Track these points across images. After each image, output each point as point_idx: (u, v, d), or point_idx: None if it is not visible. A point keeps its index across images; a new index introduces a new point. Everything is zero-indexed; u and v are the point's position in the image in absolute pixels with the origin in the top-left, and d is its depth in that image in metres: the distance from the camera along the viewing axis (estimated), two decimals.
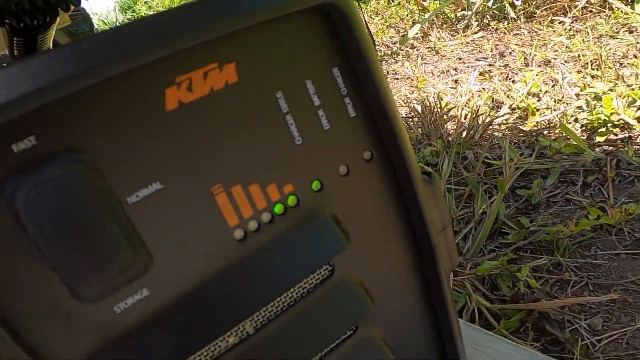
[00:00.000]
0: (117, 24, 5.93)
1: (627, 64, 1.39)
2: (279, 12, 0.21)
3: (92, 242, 0.17)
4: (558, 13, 2.06)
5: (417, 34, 2.36)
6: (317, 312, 0.25)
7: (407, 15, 2.85)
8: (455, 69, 1.85)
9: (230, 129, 0.20)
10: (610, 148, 1.00)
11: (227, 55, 0.20)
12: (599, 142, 1.04)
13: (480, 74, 1.67)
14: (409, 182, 0.25)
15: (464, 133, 1.16)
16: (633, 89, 1.19)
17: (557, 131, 1.10)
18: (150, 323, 0.20)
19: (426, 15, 2.49)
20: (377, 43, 2.45)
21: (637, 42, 1.53)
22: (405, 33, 2.46)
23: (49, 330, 0.18)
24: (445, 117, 1.29)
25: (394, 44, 2.48)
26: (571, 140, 1.02)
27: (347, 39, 0.23)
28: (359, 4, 2.70)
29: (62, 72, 0.16)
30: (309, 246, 0.23)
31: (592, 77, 1.34)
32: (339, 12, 0.22)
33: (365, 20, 1.47)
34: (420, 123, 1.27)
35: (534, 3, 2.21)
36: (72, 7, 0.33)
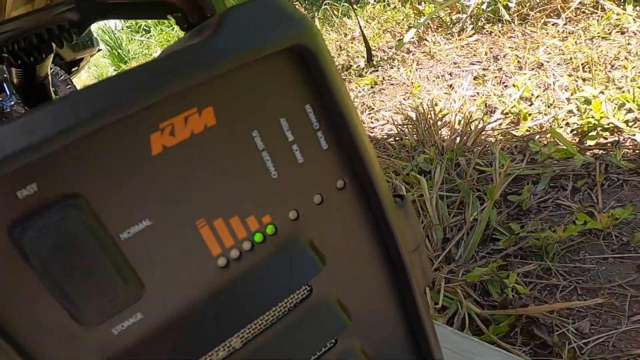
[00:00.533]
0: (116, 31, 5.97)
1: (618, 65, 1.41)
2: (253, 56, 0.23)
3: (90, 275, 0.19)
4: (551, 15, 2.08)
5: (412, 38, 2.38)
6: (298, 328, 0.27)
7: (402, 20, 2.87)
8: (450, 74, 1.87)
9: (211, 167, 0.23)
10: (601, 152, 1.02)
11: (205, 100, 0.23)
12: (589, 145, 1.06)
13: (475, 78, 1.69)
14: (380, 207, 0.27)
15: (458, 139, 1.18)
16: (623, 92, 1.21)
17: (548, 136, 1.12)
18: (145, 342, 0.22)
19: (421, 20, 2.51)
20: (373, 48, 2.48)
21: (628, 44, 1.54)
22: (401, 37, 2.48)
23: (55, 352, 0.20)
24: (439, 123, 1.31)
25: (390, 48, 2.50)
26: (561, 144, 1.04)
27: (318, 76, 0.25)
28: (354, 10, 2.72)
29: (55, 127, 0.19)
30: (287, 270, 0.25)
31: (584, 80, 1.36)
32: (309, 52, 0.25)
33: (363, 30, 1.49)
34: (414, 130, 1.29)
35: (527, 4, 2.23)
36: (66, 43, 0.35)
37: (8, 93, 3.04)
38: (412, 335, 0.32)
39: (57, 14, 0.30)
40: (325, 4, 3.54)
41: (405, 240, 0.29)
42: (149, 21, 5.74)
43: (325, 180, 0.26)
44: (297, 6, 3.48)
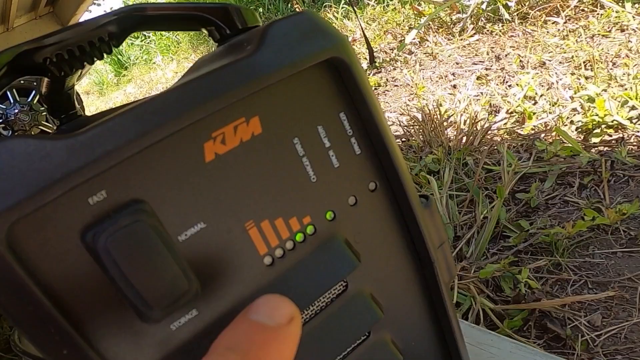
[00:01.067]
0: None
1: (620, 63, 1.43)
2: (295, 69, 0.25)
3: (158, 275, 0.21)
4: (551, 13, 2.10)
5: (414, 39, 2.40)
6: (335, 321, 0.29)
7: (403, 21, 2.89)
8: (453, 74, 1.89)
9: (258, 172, 0.24)
10: (606, 149, 1.04)
11: (252, 110, 0.24)
12: (594, 143, 1.07)
13: (478, 78, 1.71)
14: (409, 207, 0.29)
15: (464, 139, 1.20)
16: (626, 89, 1.22)
17: (553, 134, 1.14)
18: (198, 337, 0.24)
19: (422, 20, 2.53)
20: (375, 49, 2.50)
21: (629, 41, 1.56)
22: (403, 38, 2.50)
23: (121, 346, 0.22)
24: (445, 123, 1.33)
25: (392, 50, 2.52)
26: (567, 142, 1.05)
27: (351, 86, 0.27)
28: (355, 11, 2.74)
29: (125, 137, 0.21)
30: (326, 267, 0.27)
31: (586, 78, 1.38)
32: (343, 64, 0.26)
33: (364, 32, 1.51)
34: (421, 131, 1.31)
35: (527, 3, 2.25)
36: (105, 55, 0.37)
37: (12, 101, 3.06)
38: (438, 327, 0.34)
39: (99, 26, 0.32)
40: (324, 6, 3.56)
41: (432, 238, 0.31)
42: None
43: (359, 182, 0.28)
44: (296, 8, 3.51)
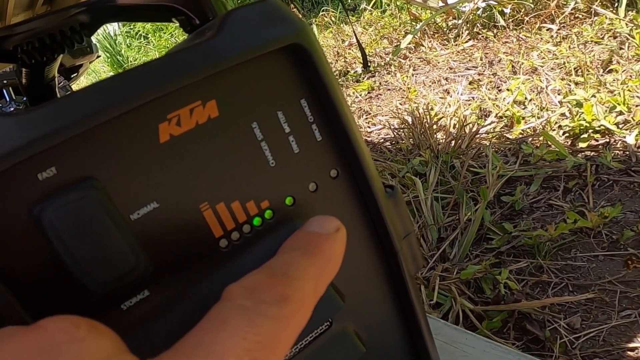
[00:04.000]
0: (114, 37, 5.99)
1: (610, 69, 1.44)
2: (252, 54, 0.25)
3: (104, 252, 0.21)
4: (546, 20, 2.11)
5: (409, 44, 2.41)
6: None
7: (399, 26, 2.90)
8: (446, 79, 1.90)
9: (214, 155, 0.24)
10: (592, 153, 1.05)
11: (208, 94, 0.24)
12: (581, 147, 1.08)
13: (470, 82, 1.72)
14: (372, 196, 0.29)
15: (453, 142, 1.20)
16: (614, 95, 1.23)
17: (541, 138, 1.15)
18: (150, 318, 0.24)
19: (418, 26, 2.54)
20: (370, 54, 2.51)
21: (620, 48, 1.57)
22: (398, 43, 2.51)
23: None
24: (434, 126, 1.34)
25: (387, 54, 2.53)
26: (553, 147, 1.06)
27: (312, 73, 0.27)
28: (348, 17, 2.75)
29: (76, 115, 0.21)
30: None
31: (576, 83, 1.39)
32: (304, 50, 0.27)
33: (357, 37, 1.52)
34: (410, 134, 1.31)
35: (522, 10, 2.26)
36: (77, 45, 0.37)
37: (7, 99, 3.06)
38: (404, 319, 0.34)
39: (70, 16, 0.32)
40: (322, 11, 3.58)
41: (396, 228, 0.31)
42: (147, 27, 5.79)
43: (320, 169, 0.28)
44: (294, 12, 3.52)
